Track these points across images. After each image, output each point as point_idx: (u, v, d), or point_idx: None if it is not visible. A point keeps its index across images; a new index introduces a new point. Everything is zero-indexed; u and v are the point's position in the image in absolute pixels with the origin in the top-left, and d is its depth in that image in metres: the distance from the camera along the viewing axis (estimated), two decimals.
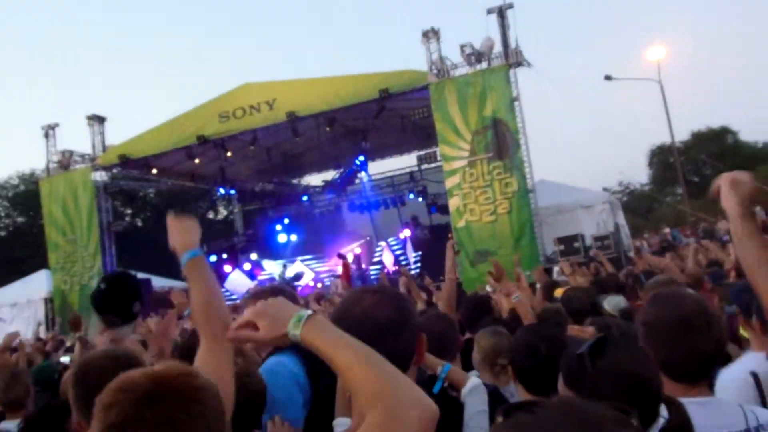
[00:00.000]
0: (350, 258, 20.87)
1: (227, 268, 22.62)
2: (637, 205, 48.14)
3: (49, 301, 20.46)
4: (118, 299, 3.51)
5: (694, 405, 1.82)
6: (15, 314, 20.33)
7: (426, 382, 3.08)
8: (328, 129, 18.41)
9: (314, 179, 27.03)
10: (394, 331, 1.65)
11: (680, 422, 1.64)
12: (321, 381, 3.21)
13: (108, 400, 1.19)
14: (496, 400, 2.29)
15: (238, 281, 21.73)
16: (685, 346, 2.01)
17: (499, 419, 0.95)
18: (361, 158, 22.38)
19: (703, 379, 2.07)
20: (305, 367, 3.20)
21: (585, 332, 4.98)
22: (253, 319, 1.46)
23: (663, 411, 1.72)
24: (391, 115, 17.77)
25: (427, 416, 1.27)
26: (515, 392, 3.23)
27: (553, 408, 0.90)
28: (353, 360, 1.34)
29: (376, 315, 1.67)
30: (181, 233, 2.12)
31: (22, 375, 4.06)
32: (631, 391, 1.71)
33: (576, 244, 15.73)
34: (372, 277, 20.36)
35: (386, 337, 1.61)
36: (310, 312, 1.44)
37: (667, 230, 29.62)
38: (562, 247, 15.88)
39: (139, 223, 39.37)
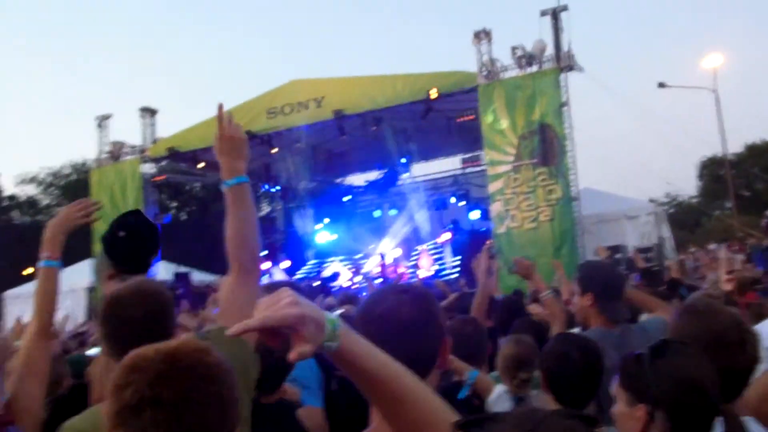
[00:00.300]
0: (389, 260, 20.87)
1: (266, 265, 22.79)
2: (683, 218, 47.13)
3: (91, 290, 20.85)
4: (136, 251, 3.30)
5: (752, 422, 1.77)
6: (58, 302, 20.76)
7: (451, 388, 3.02)
8: (374, 128, 18.42)
9: (357, 179, 27.07)
10: (417, 332, 1.55)
11: None
12: (333, 375, 3.16)
13: (122, 380, 1.17)
14: None
15: (276, 278, 21.88)
16: (719, 363, 1.89)
17: None
18: (405, 159, 22.34)
19: (735, 397, 1.98)
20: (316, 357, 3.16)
21: (535, 311, 4.89)
22: (296, 322, 1.15)
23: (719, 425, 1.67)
24: (438, 116, 17.68)
25: None
26: (536, 400, 3.15)
27: (507, 422, 0.84)
28: (401, 384, 1.23)
29: (399, 314, 1.57)
30: (232, 153, 2.05)
31: (59, 360, 4.12)
32: (687, 397, 1.67)
33: (618, 255, 15.44)
34: (408, 280, 20.30)
35: (408, 337, 1.52)
36: (336, 316, 1.23)
37: (713, 246, 28.93)
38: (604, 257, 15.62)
39: (184, 217, 39.95)
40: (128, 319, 1.98)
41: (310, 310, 1.17)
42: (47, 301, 2.47)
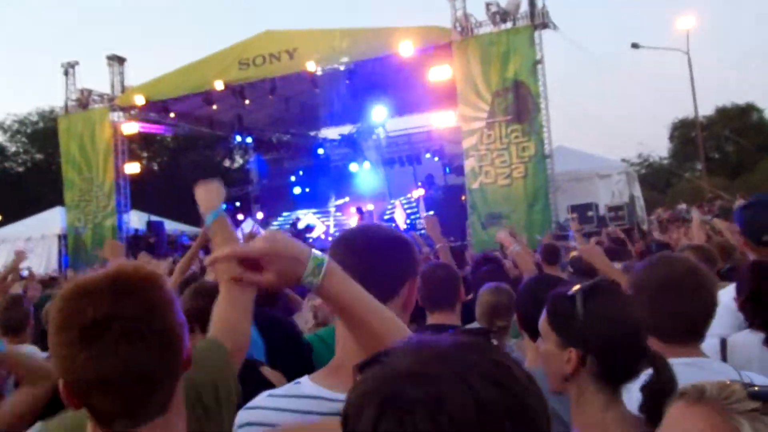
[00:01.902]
0: (363, 213, 20.92)
1: (240, 216, 22.72)
2: (655, 179, 47.62)
3: (62, 237, 20.69)
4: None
5: (681, 365, 1.79)
6: (29, 249, 20.57)
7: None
8: (347, 82, 18.25)
9: (331, 132, 26.92)
10: (384, 256, 1.60)
11: (665, 378, 1.61)
12: (273, 334, 3.27)
13: (75, 304, 1.18)
14: None
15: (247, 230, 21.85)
16: (673, 307, 1.99)
17: (357, 376, 0.89)
18: (380, 113, 22.23)
19: (692, 340, 2.04)
20: (255, 320, 3.17)
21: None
22: (264, 257, 1.25)
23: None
24: (412, 71, 17.56)
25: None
26: (514, 348, 3.21)
27: (401, 352, 0.86)
28: (380, 322, 1.30)
29: (374, 233, 1.65)
30: (207, 196, 2.22)
31: (22, 301, 4.15)
32: (617, 339, 1.69)
33: (590, 213, 15.61)
34: None
35: (373, 255, 1.57)
36: (327, 257, 1.30)
37: (683, 206, 29.33)
38: (575, 215, 15.80)
39: (155, 167, 39.50)
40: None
41: (285, 247, 1.25)
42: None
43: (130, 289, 1.19)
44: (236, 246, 1.33)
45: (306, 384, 1.53)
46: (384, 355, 0.87)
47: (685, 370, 1.81)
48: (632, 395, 1.67)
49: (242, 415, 1.52)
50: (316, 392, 1.49)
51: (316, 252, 1.29)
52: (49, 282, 10.77)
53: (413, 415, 0.76)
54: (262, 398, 1.54)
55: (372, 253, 1.58)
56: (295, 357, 3.37)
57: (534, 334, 2.49)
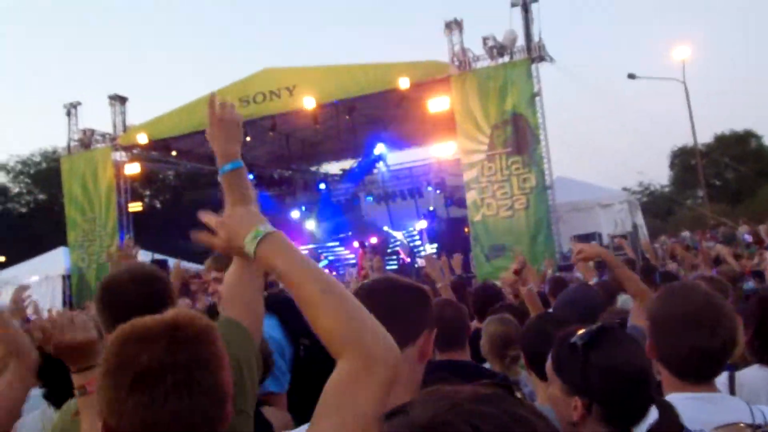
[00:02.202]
0: (366, 247, 20.90)
1: None
2: (656, 207, 47.65)
3: (67, 278, 20.68)
4: None
5: (694, 400, 1.79)
6: (33, 290, 20.51)
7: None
8: (347, 117, 18.37)
9: (333, 168, 27.02)
10: (411, 302, 1.65)
11: (669, 423, 1.60)
12: (301, 342, 3.10)
13: (131, 349, 1.19)
14: None
15: None
16: (690, 343, 1.92)
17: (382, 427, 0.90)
18: (380, 148, 22.35)
19: (708, 378, 1.98)
20: (283, 327, 3.08)
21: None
22: (214, 227, 1.48)
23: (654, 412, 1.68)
24: (411, 105, 17.69)
25: (397, 357, 1.27)
26: (527, 382, 3.16)
27: (426, 404, 0.87)
28: (319, 294, 1.30)
29: (398, 287, 1.69)
30: (226, 138, 1.99)
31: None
32: (620, 389, 1.67)
33: (593, 243, 15.58)
34: (387, 268, 20.35)
35: (401, 302, 1.62)
36: (271, 229, 1.41)
37: (686, 233, 29.32)
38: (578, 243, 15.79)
39: (158, 205, 39.61)
40: (125, 302, 1.98)
41: (232, 219, 1.46)
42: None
43: (187, 340, 1.20)
44: (212, 216, 1.52)
45: None
46: (410, 406, 0.88)
47: (699, 405, 1.80)
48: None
49: None
50: None
51: (262, 226, 1.42)
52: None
53: None
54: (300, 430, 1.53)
55: (391, 300, 1.60)
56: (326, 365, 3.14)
57: (540, 373, 2.47)
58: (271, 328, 3.06)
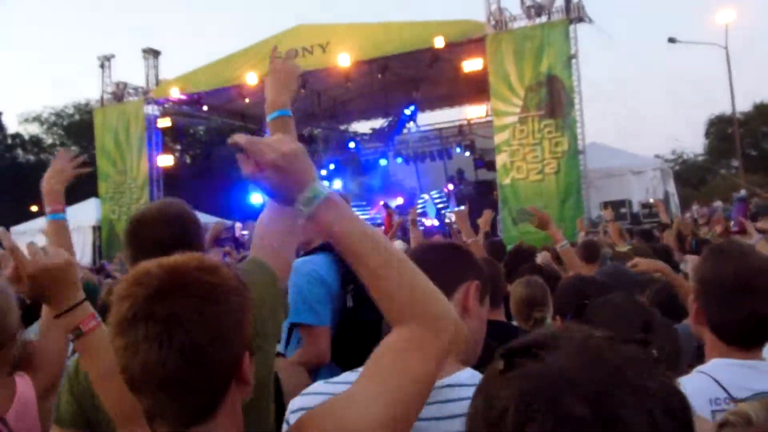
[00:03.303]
0: (392, 208, 20.90)
1: None
2: (689, 176, 46.89)
3: (97, 229, 21.00)
4: None
5: (740, 367, 1.74)
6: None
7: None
8: (380, 76, 18.22)
9: (362, 126, 26.91)
10: (446, 254, 1.67)
11: None
12: (353, 286, 3.03)
13: (122, 292, 1.18)
14: None
15: None
16: (743, 308, 1.82)
17: (499, 366, 0.78)
18: (411, 108, 22.18)
19: (757, 344, 1.89)
20: (336, 266, 3.03)
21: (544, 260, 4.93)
22: (266, 165, 1.26)
23: None
24: (445, 65, 17.49)
25: (458, 329, 1.27)
26: None
27: (564, 351, 0.76)
28: (383, 265, 1.26)
29: (436, 243, 1.73)
30: (279, 86, 2.03)
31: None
32: None
33: (623, 210, 15.40)
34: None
35: (437, 255, 1.64)
36: (328, 189, 1.28)
37: (718, 203, 28.84)
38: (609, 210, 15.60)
39: (188, 160, 39.89)
40: (153, 239, 1.98)
41: (291, 166, 1.25)
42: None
43: (173, 291, 1.16)
44: (256, 141, 1.29)
45: None
46: (537, 347, 0.78)
47: (744, 372, 1.76)
48: None
49: (296, 401, 1.51)
50: None
51: (319, 184, 1.27)
52: (99, 270, 11.03)
53: None
54: (317, 385, 1.54)
55: (420, 260, 1.58)
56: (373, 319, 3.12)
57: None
58: (320, 266, 3.02)
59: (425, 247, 1.73)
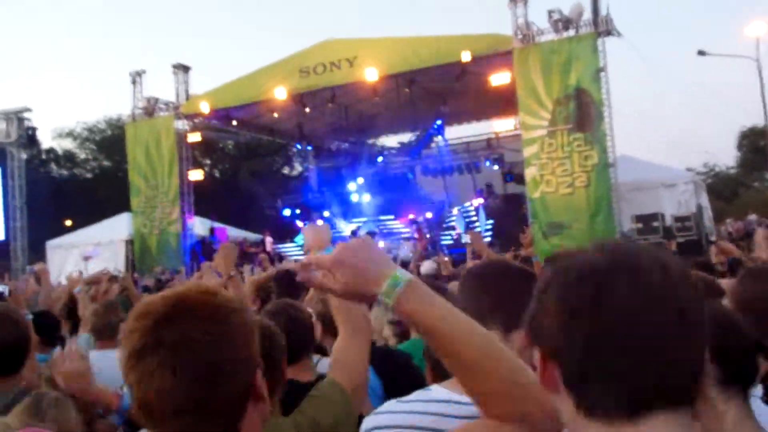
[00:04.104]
0: (422, 223, 20.84)
1: (300, 223, 22.93)
2: (721, 189, 46.22)
3: (129, 243, 21.27)
4: None
5: None
6: (96, 254, 21.20)
7: None
8: (407, 90, 18.27)
9: (390, 141, 26.96)
10: (526, 285, 1.64)
11: None
12: (388, 368, 3.04)
13: (130, 326, 1.19)
14: None
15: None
16: None
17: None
18: (439, 122, 22.19)
19: None
20: (380, 382, 3.02)
21: None
22: (333, 267, 1.24)
23: None
24: (472, 79, 17.48)
25: (552, 419, 1.14)
26: None
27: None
28: (477, 354, 1.20)
29: (516, 269, 1.72)
30: (317, 237, 2.03)
31: (117, 307, 4.26)
32: (729, 343, 1.61)
33: (655, 224, 15.19)
34: (442, 243, 20.27)
35: (517, 284, 1.59)
36: (410, 276, 1.23)
37: (752, 216, 28.33)
38: (640, 225, 15.39)
39: (217, 174, 40.25)
40: None
41: (359, 259, 1.23)
42: None
43: (179, 318, 1.17)
44: (314, 256, 1.30)
45: (436, 389, 1.54)
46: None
47: None
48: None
49: (368, 421, 1.52)
50: (447, 396, 1.47)
51: (398, 271, 1.22)
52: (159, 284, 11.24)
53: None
54: (389, 404, 1.55)
55: (502, 285, 1.60)
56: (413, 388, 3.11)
57: None
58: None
59: (506, 268, 1.73)
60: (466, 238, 18.91)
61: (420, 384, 3.22)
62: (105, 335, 4.03)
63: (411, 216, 21.85)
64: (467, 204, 22.30)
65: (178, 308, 1.18)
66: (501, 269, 1.71)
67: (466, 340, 1.20)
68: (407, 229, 21.47)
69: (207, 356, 1.15)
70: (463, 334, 1.21)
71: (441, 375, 1.49)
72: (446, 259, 10.88)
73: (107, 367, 2.86)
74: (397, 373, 3.14)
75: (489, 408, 1.22)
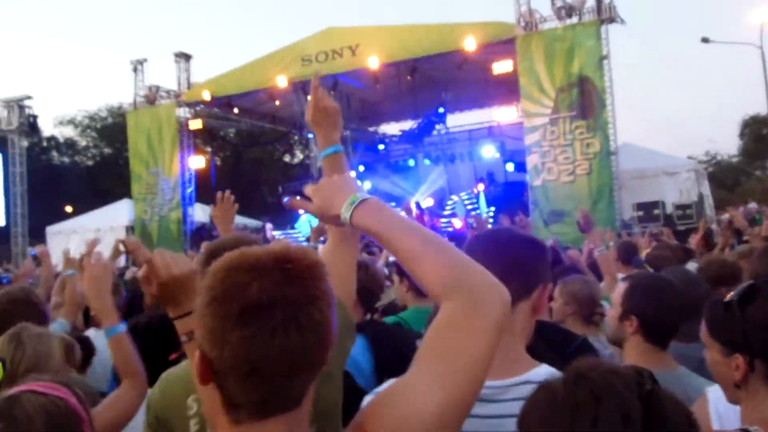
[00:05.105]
0: (414, 208, 20.81)
1: (301, 210, 22.89)
2: (723, 177, 46.16)
3: (130, 229, 21.29)
4: None
5: None
6: (98, 240, 21.20)
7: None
8: (408, 78, 18.23)
9: (391, 128, 26.91)
10: (532, 254, 1.65)
11: None
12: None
13: (240, 278, 1.12)
14: (585, 351, 2.19)
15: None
16: None
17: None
18: (441, 109, 22.12)
19: None
20: (372, 351, 3.00)
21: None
22: (309, 193, 1.50)
23: None
24: (474, 67, 17.42)
25: (505, 299, 1.26)
26: (605, 342, 3.09)
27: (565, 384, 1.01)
28: (419, 246, 1.31)
29: (520, 238, 1.69)
30: (329, 125, 2.14)
31: (119, 285, 4.25)
32: None
33: (656, 211, 15.23)
34: (443, 229, 20.27)
35: (522, 253, 1.62)
36: (367, 196, 1.42)
37: (753, 205, 28.30)
38: (641, 213, 15.42)
39: (218, 162, 40.25)
40: None
41: (327, 186, 1.49)
42: (129, 363, 2.47)
43: (298, 274, 1.14)
44: (310, 185, 1.53)
45: None
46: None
47: None
48: None
49: (370, 399, 1.51)
50: None
51: (358, 192, 1.42)
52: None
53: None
54: (392, 382, 1.54)
55: (508, 252, 1.60)
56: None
57: (652, 336, 2.37)
58: (355, 351, 3.01)
59: (514, 235, 1.72)
60: (471, 222, 18.93)
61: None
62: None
63: (411, 205, 21.83)
64: (468, 192, 22.28)
65: (293, 264, 1.15)
66: (509, 236, 1.72)
67: (407, 230, 1.36)
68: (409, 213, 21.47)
69: (324, 313, 1.15)
70: (406, 226, 1.37)
71: None
72: None
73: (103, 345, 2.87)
74: (391, 349, 3.06)
75: (438, 289, 1.28)
